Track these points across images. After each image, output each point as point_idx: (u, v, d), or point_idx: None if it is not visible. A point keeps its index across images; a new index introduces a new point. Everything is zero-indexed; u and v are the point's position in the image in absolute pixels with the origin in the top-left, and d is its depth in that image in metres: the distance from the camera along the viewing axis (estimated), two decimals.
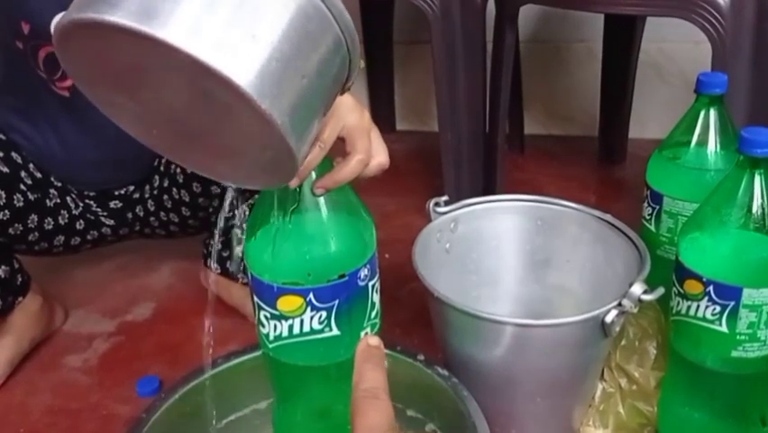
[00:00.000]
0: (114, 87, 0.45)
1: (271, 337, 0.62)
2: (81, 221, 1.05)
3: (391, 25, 1.72)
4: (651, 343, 0.86)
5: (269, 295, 0.59)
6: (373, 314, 0.63)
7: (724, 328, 0.73)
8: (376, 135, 0.61)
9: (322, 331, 0.60)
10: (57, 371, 1.04)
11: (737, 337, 0.73)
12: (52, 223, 1.00)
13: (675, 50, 1.61)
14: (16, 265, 1.00)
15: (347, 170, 0.58)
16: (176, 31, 0.38)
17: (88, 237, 1.08)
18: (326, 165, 0.58)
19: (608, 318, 0.73)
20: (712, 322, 0.73)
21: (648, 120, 1.66)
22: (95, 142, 0.97)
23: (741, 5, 0.96)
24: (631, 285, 0.73)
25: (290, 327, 0.60)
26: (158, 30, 0.38)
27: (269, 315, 0.60)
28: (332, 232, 0.59)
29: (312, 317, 0.59)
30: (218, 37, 0.39)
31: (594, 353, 0.80)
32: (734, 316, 0.72)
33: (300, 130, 0.45)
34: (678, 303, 0.77)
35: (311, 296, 0.58)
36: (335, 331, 0.60)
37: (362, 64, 0.54)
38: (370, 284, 0.61)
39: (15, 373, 1.02)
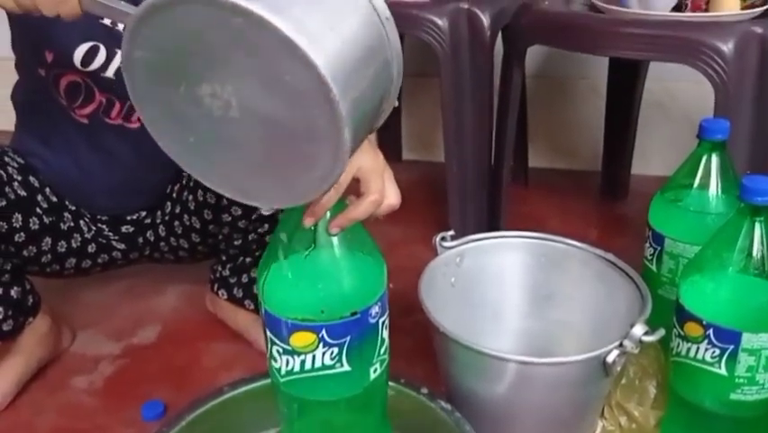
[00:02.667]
0: (179, 77, 0.48)
1: (283, 372, 0.63)
2: (93, 244, 1.07)
3: None
4: (651, 382, 0.88)
5: (283, 331, 0.61)
6: (382, 350, 0.65)
7: (723, 371, 0.74)
8: (389, 176, 0.64)
9: (333, 367, 0.62)
10: (63, 392, 1.05)
11: (736, 380, 0.74)
12: (65, 246, 1.02)
13: (678, 89, 1.64)
14: (28, 286, 1.01)
15: (360, 209, 0.60)
16: (266, 8, 0.43)
17: (99, 260, 1.09)
18: (340, 205, 0.60)
19: (610, 358, 0.75)
20: (712, 365, 0.75)
21: (651, 157, 1.68)
22: (111, 169, 0.99)
23: (744, 53, 0.98)
24: (632, 326, 0.75)
25: (302, 363, 0.61)
26: (251, 3, 0.43)
27: (281, 350, 0.62)
28: (345, 270, 0.61)
29: (324, 353, 0.61)
30: (301, 19, 0.44)
31: (595, 391, 0.82)
32: (733, 359, 0.73)
33: (355, 126, 0.48)
34: (678, 345, 0.78)
35: (323, 332, 0.60)
36: (346, 367, 0.62)
37: (396, 103, 0.57)
38: (381, 321, 0.63)
39: (22, 393, 1.03)
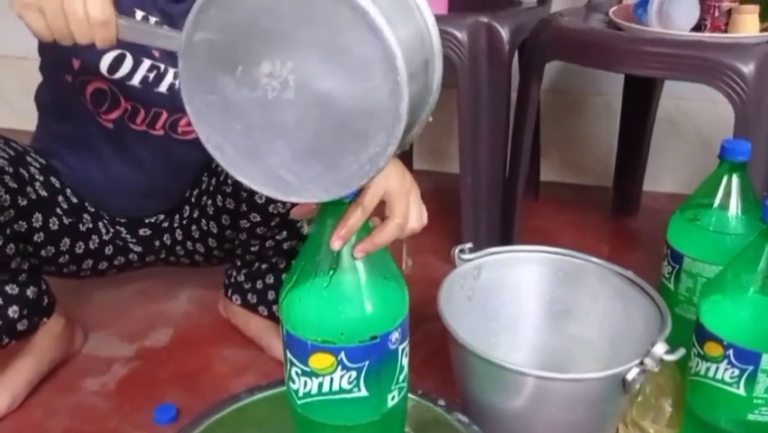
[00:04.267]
0: (238, 58, 0.50)
1: (301, 394, 0.63)
2: (110, 246, 1.07)
3: None
4: (667, 400, 0.88)
5: (302, 351, 0.61)
6: (401, 377, 0.65)
7: (741, 391, 0.75)
8: (415, 197, 0.64)
9: (350, 391, 0.61)
10: (75, 393, 1.05)
11: (755, 401, 0.74)
12: (83, 247, 1.02)
13: (692, 107, 1.65)
14: (44, 286, 1.01)
15: (385, 234, 0.60)
16: None
17: (115, 262, 1.10)
18: (365, 228, 0.60)
19: (630, 376, 0.75)
20: (730, 385, 0.75)
21: (662, 174, 1.69)
22: (133, 173, 1.00)
23: (764, 74, 0.99)
24: (653, 344, 0.75)
25: (320, 385, 0.61)
26: None
27: (300, 371, 0.62)
28: (367, 294, 0.61)
29: (342, 377, 0.61)
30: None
31: (612, 408, 0.82)
32: (752, 380, 0.74)
33: (411, 103, 0.49)
34: (697, 364, 0.79)
35: (342, 355, 0.60)
36: (363, 392, 0.62)
37: (431, 118, 0.58)
38: (400, 348, 0.63)
39: (34, 394, 1.03)
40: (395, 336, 0.62)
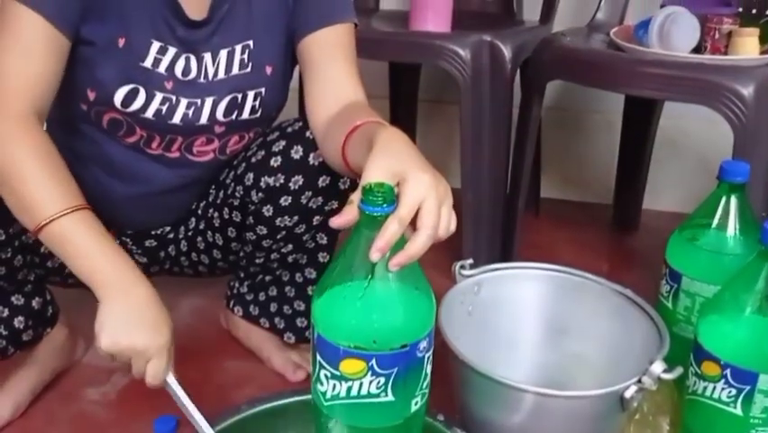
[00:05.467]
0: None
1: (328, 396, 0.64)
2: None
3: (418, 84, 1.78)
4: (664, 419, 0.88)
5: (334, 356, 0.62)
6: (425, 384, 0.66)
7: (738, 411, 0.76)
8: (447, 206, 0.64)
9: (378, 396, 0.63)
10: (76, 403, 1.05)
11: (751, 421, 0.75)
12: None
13: (692, 127, 1.66)
14: (48, 297, 1.02)
15: (418, 246, 0.61)
16: None
17: None
18: (400, 240, 0.61)
19: (628, 394, 0.76)
20: (727, 404, 0.76)
21: (662, 192, 1.70)
22: (148, 190, 0.99)
23: (763, 96, 1.01)
24: (651, 363, 0.76)
25: (349, 389, 0.63)
26: None
27: (329, 374, 0.63)
28: (399, 303, 0.62)
29: (371, 382, 0.62)
30: None
31: (609, 426, 0.83)
32: (749, 400, 0.75)
33: None
34: (694, 383, 0.79)
35: (373, 361, 0.61)
36: (390, 397, 0.63)
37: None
38: (426, 356, 0.65)
39: (36, 402, 1.04)
40: (423, 344, 0.63)
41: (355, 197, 0.62)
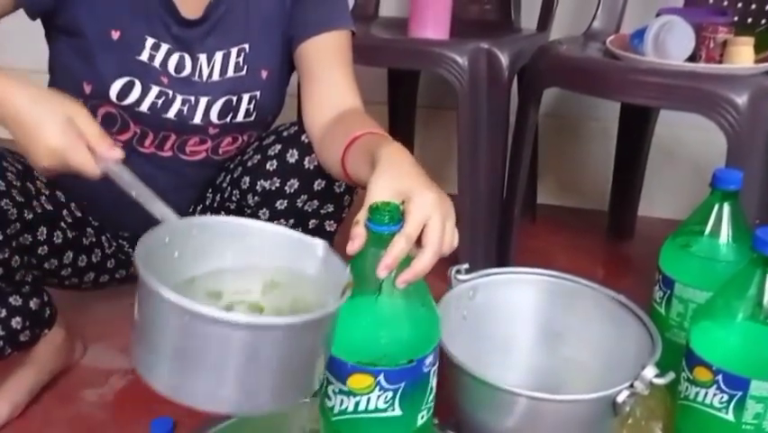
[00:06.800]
0: None
1: (336, 411, 0.65)
2: (112, 260, 1.09)
3: (416, 90, 1.80)
4: (657, 424, 0.89)
5: (342, 371, 0.63)
6: (430, 398, 0.68)
7: (730, 417, 0.76)
8: (450, 223, 0.66)
9: (385, 410, 0.64)
10: (74, 404, 1.06)
11: (743, 427, 0.76)
12: (85, 260, 1.04)
13: (687, 135, 1.67)
14: (46, 298, 1.03)
15: (425, 263, 0.62)
16: None
17: (117, 276, 1.11)
18: (406, 257, 0.63)
19: (620, 398, 0.77)
20: (719, 410, 0.77)
21: (657, 199, 1.71)
22: None
23: (757, 105, 1.02)
24: (643, 368, 0.77)
25: (357, 404, 0.64)
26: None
27: (337, 390, 0.64)
28: (407, 319, 0.64)
29: (379, 397, 0.63)
30: None
31: (602, 430, 0.83)
32: (741, 405, 0.75)
33: None
34: (686, 388, 0.80)
35: (381, 377, 0.63)
36: (398, 411, 0.64)
37: None
38: (432, 370, 0.66)
39: (34, 404, 1.04)
40: (429, 359, 0.65)
41: (361, 216, 0.64)
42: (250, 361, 0.54)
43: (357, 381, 0.63)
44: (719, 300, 0.79)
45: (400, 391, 0.63)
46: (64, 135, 0.73)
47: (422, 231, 0.63)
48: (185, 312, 0.53)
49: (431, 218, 0.63)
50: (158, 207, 0.71)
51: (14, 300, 0.97)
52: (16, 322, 0.97)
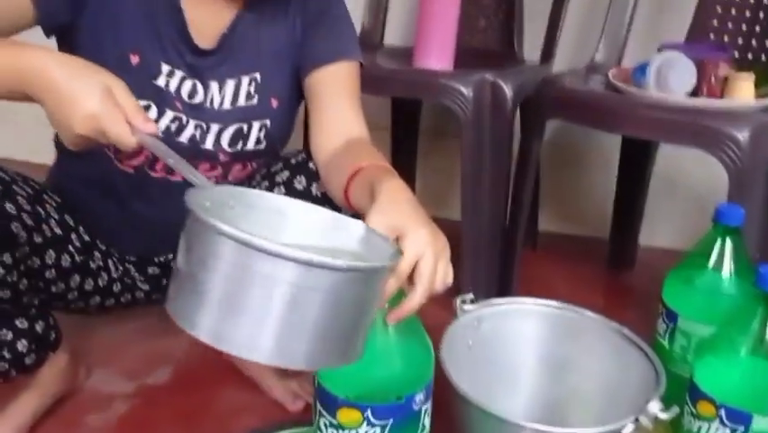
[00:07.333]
0: None
1: None
2: (118, 284, 1.09)
3: (419, 116, 1.82)
4: None
5: (331, 405, 0.64)
6: None
7: None
8: (443, 259, 0.66)
9: None
10: (77, 429, 1.06)
11: None
12: (92, 284, 1.04)
13: (688, 166, 1.69)
14: (51, 321, 1.03)
15: (415, 301, 0.63)
16: None
17: (122, 300, 1.11)
18: (398, 294, 0.64)
19: (625, 432, 0.77)
20: None
21: (657, 229, 1.73)
22: (150, 214, 1.01)
23: (758, 141, 1.03)
24: (648, 402, 0.77)
25: None
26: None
27: (328, 423, 0.65)
28: (397, 356, 0.65)
29: (367, 432, 0.63)
30: None
31: None
32: None
33: None
34: (690, 422, 0.81)
35: (369, 412, 0.63)
36: None
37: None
38: (423, 408, 0.66)
39: (37, 427, 1.04)
40: (419, 397, 0.65)
41: None
42: (294, 304, 0.53)
43: (346, 415, 0.64)
44: (722, 336, 0.80)
45: (388, 427, 0.64)
46: (102, 103, 0.71)
47: (415, 268, 0.64)
48: (242, 244, 0.53)
49: (424, 256, 0.64)
50: (195, 176, 0.70)
51: (21, 323, 0.97)
52: (22, 345, 0.97)
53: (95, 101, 0.71)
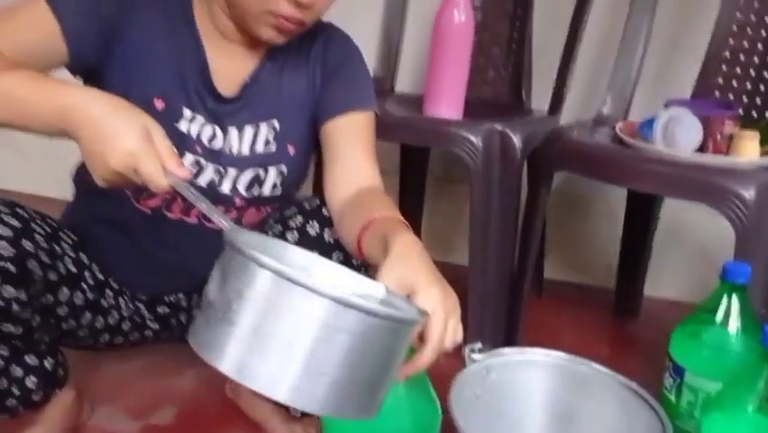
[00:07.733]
0: None
1: None
2: (128, 322, 1.10)
3: (427, 162, 1.84)
4: None
5: None
6: None
7: None
8: (453, 318, 0.68)
9: None
10: None
11: None
12: (102, 322, 1.05)
13: (694, 218, 1.70)
14: (60, 358, 1.03)
15: (425, 359, 0.65)
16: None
17: (131, 338, 1.12)
18: (408, 351, 0.64)
19: None
20: None
21: (662, 280, 1.74)
22: (165, 255, 1.03)
23: (764, 199, 1.05)
24: None
25: None
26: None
27: None
28: (404, 412, 0.65)
29: None
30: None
31: None
32: None
33: None
34: None
35: None
36: None
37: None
38: None
39: None
40: None
41: None
42: (323, 343, 0.53)
43: None
44: (729, 392, 0.81)
45: None
46: (141, 143, 0.73)
47: (425, 326, 0.65)
48: (280, 276, 0.53)
49: (434, 314, 0.66)
50: (226, 221, 0.72)
51: (31, 360, 0.98)
52: (31, 382, 0.98)
53: (134, 139, 0.73)
